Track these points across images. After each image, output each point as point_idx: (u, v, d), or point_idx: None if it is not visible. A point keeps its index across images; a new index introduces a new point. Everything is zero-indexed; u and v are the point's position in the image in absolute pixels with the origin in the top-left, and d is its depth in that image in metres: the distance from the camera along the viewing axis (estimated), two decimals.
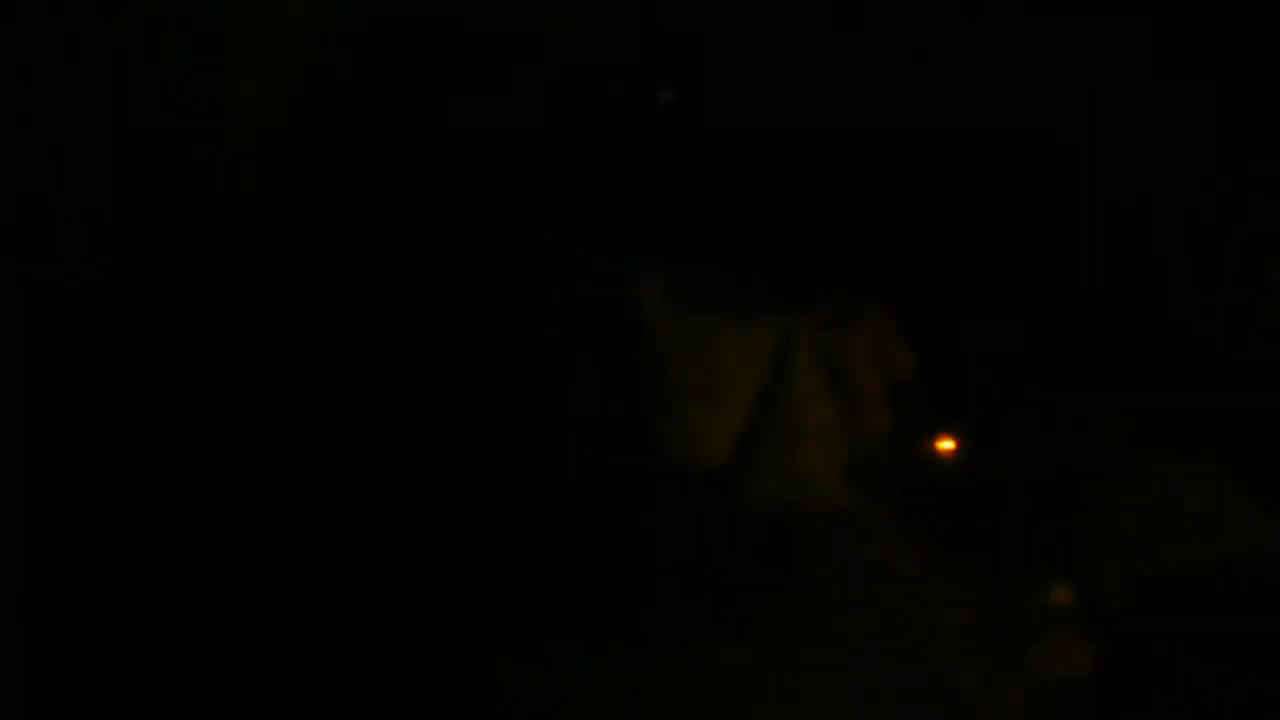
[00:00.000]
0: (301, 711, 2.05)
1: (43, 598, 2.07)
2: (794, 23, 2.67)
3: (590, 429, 2.33)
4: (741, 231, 2.60)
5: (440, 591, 2.16)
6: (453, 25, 2.45)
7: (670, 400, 2.29)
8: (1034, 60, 2.78)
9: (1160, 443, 2.77)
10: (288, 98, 2.35)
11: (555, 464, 2.29)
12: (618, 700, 2.08)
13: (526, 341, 2.37)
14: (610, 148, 2.56)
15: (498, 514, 2.24)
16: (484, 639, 2.13)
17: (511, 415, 2.28)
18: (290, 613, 2.11)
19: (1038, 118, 2.80)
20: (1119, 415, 2.82)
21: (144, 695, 2.05)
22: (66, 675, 2.05)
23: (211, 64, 2.30)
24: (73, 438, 2.12)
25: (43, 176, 2.18)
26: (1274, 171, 2.85)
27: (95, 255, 2.21)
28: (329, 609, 2.12)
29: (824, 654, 2.21)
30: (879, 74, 2.72)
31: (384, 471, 2.21)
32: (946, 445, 2.75)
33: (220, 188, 2.31)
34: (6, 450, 2.09)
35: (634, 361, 2.35)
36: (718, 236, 2.57)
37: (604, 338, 2.38)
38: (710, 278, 2.45)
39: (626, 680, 2.09)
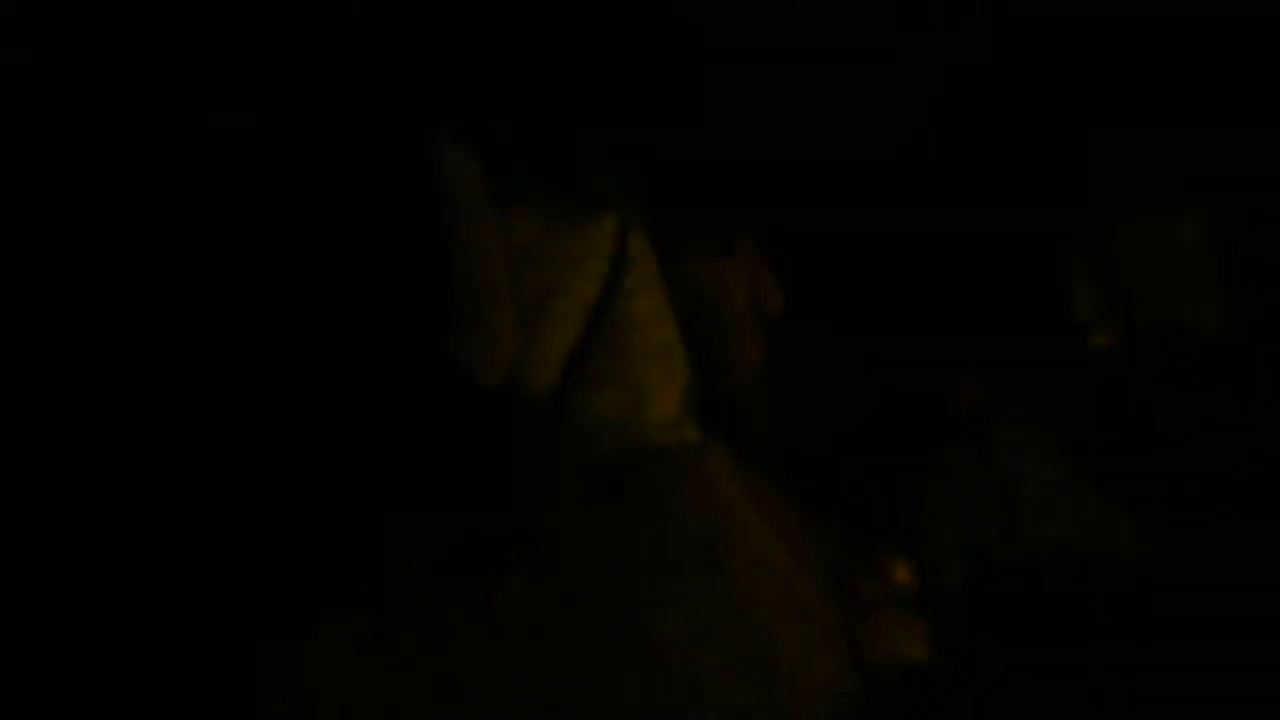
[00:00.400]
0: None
1: None
2: None
3: (394, 345, 2.07)
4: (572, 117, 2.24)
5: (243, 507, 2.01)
6: None
7: (486, 312, 1.99)
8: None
9: (1010, 417, 2.79)
10: None
11: (358, 385, 2.07)
12: (427, 637, 1.93)
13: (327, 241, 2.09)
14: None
15: (298, 433, 2.05)
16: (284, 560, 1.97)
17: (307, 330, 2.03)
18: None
19: None
20: (975, 385, 2.85)
21: None
22: None
23: None
24: None
25: None
26: None
27: None
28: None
29: (647, 601, 2.05)
30: None
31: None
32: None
33: None
34: None
35: (442, 263, 2.09)
36: (548, 121, 2.20)
37: (410, 234, 2.08)
38: (538, 171, 2.15)
39: (433, 619, 1.93)
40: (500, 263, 1.95)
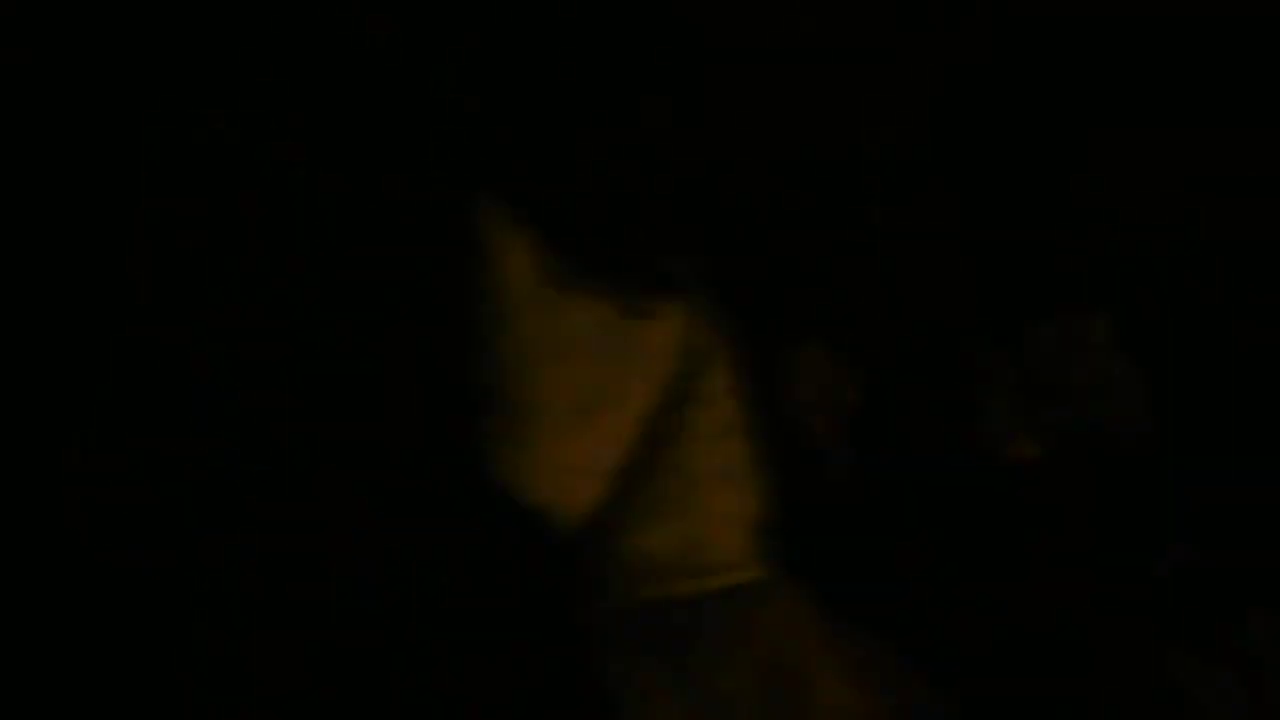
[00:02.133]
0: None
1: None
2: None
3: (406, 448, 1.79)
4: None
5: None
6: None
7: (518, 414, 1.60)
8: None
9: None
10: None
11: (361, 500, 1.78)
12: None
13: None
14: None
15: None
16: None
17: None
18: None
19: None
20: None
21: None
22: None
23: None
24: None
25: None
26: None
27: None
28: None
29: None
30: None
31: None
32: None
33: None
34: None
35: (471, 350, 1.65)
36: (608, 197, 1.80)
37: (433, 310, 1.71)
38: (595, 247, 1.70)
39: None
40: (545, 362, 1.60)
